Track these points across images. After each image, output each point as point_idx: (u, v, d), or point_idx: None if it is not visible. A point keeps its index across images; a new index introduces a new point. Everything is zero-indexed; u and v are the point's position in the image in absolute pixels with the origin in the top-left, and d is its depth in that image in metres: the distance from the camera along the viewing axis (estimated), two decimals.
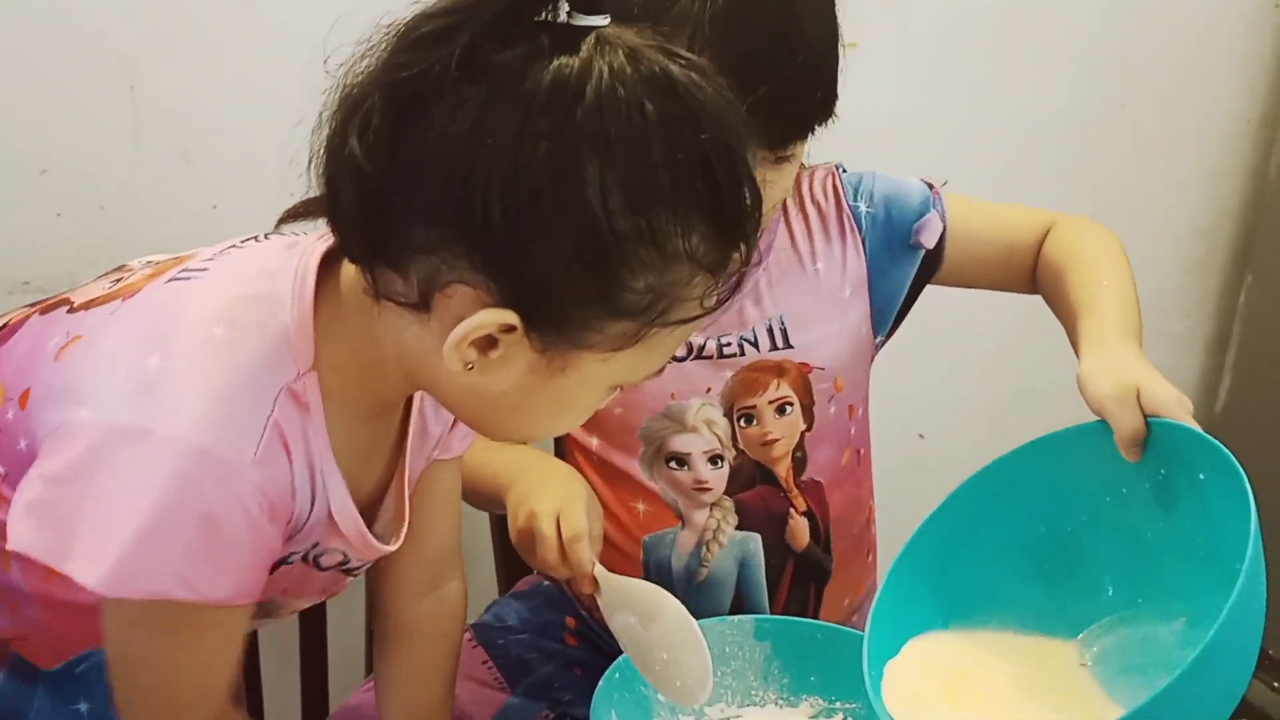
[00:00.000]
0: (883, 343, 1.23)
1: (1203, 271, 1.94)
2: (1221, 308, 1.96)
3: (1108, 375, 0.89)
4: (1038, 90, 1.73)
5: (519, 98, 0.67)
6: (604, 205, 0.67)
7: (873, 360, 1.23)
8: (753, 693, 1.02)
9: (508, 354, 0.72)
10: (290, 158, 1.30)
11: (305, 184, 1.32)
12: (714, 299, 0.74)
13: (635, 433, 1.15)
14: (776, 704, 1.02)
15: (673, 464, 1.15)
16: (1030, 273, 1.16)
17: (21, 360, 0.81)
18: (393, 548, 0.89)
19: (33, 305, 0.89)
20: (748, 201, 0.73)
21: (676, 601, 0.96)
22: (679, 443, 1.15)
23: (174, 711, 0.80)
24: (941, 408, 1.85)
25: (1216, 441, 0.82)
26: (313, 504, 0.79)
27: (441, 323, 0.71)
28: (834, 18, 1.02)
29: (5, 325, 0.86)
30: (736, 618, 1.03)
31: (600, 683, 0.94)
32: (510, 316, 0.70)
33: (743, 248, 0.74)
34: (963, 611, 0.94)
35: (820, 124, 1.03)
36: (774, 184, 1.04)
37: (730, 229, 0.72)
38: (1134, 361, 0.92)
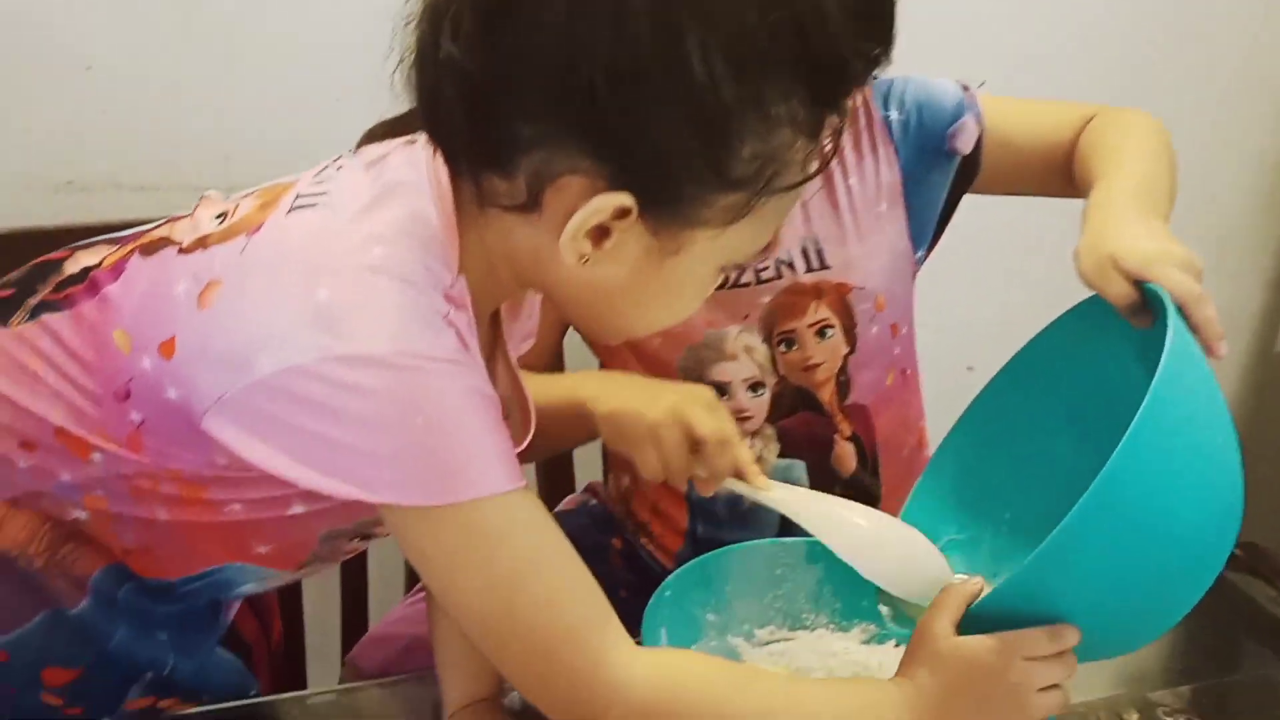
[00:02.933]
0: (924, 257, 1.19)
1: (1268, 207, 1.89)
2: None
3: (1088, 250, 0.86)
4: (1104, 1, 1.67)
5: None
6: (709, 74, 0.67)
7: (915, 276, 1.19)
8: (804, 616, 1.00)
9: (621, 241, 0.72)
10: (337, 61, 1.29)
11: (350, 88, 1.31)
12: (814, 164, 0.75)
13: (674, 365, 1.13)
14: (828, 628, 1.00)
15: None
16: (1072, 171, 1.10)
17: (142, 307, 0.79)
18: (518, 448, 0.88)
19: (115, 241, 0.87)
20: (840, 63, 0.72)
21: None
22: (718, 371, 1.12)
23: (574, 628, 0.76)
24: (991, 341, 1.81)
25: (1156, 288, 0.80)
26: None
27: (554, 217, 0.72)
28: None
29: (100, 266, 0.84)
30: (789, 540, 1.00)
31: (651, 600, 0.92)
32: (625, 199, 0.70)
33: (838, 110, 0.74)
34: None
35: None
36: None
37: (825, 91, 0.72)
38: (1116, 226, 0.88)
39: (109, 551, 0.88)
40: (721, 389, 1.12)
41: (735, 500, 1.16)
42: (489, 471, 0.73)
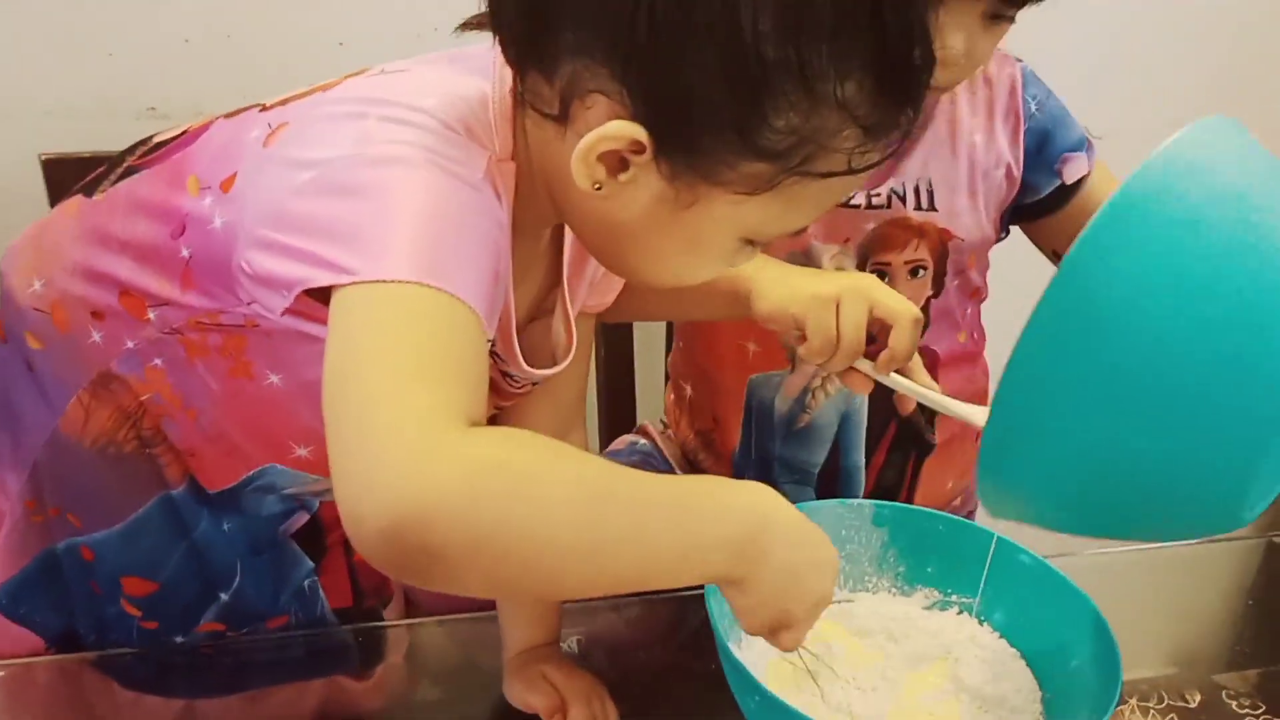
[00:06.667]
0: (998, 238, 1.20)
1: None
2: None
3: None
4: None
5: None
6: (754, 26, 0.63)
7: (990, 251, 1.21)
8: (866, 579, 0.99)
9: (636, 177, 0.69)
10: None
11: (432, 26, 1.30)
12: (866, 160, 0.69)
13: None
14: (890, 591, 0.99)
15: None
16: None
17: (217, 154, 0.81)
18: (551, 371, 0.87)
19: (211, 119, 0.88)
20: (916, 59, 0.67)
21: None
22: None
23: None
24: None
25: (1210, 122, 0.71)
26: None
27: (577, 135, 0.69)
28: None
29: (183, 133, 0.86)
30: (855, 501, 1.00)
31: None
32: (639, 132, 0.67)
33: (907, 112, 0.69)
34: None
35: None
36: (976, 50, 1.02)
37: (891, 84, 0.67)
38: None
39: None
40: None
41: (788, 420, 1.19)
42: (468, 280, 0.66)
